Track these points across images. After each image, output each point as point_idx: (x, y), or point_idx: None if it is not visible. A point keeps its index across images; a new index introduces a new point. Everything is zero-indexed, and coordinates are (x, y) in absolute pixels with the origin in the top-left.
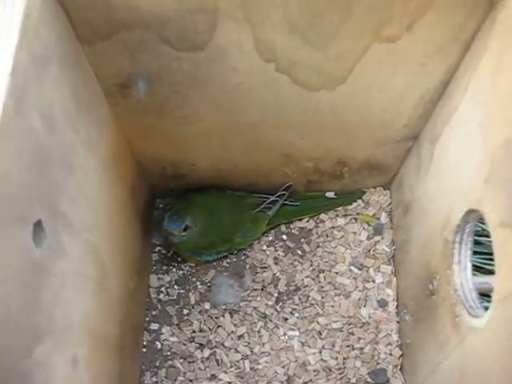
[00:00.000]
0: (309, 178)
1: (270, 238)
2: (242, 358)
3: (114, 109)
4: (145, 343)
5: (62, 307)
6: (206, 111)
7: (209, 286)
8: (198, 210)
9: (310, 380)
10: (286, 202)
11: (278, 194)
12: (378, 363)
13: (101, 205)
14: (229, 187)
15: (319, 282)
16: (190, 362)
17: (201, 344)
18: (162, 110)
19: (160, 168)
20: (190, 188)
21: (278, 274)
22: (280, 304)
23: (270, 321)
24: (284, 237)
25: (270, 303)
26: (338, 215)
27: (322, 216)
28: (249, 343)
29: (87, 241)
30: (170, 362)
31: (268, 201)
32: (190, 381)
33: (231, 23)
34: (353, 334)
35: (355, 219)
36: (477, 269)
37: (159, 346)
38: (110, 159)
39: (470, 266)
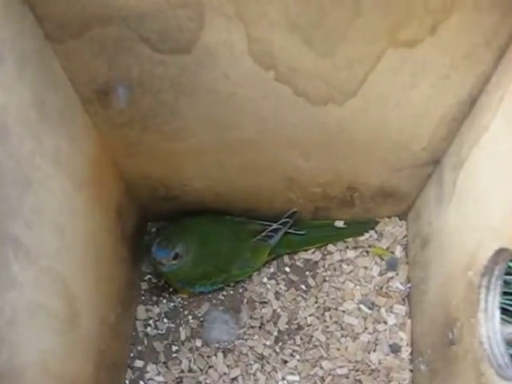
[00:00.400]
0: (316, 205)
1: (272, 270)
2: None
3: (94, 119)
4: (127, 382)
5: (9, 348)
6: (197, 125)
7: (201, 321)
8: (191, 237)
9: None
10: (290, 231)
11: (282, 221)
12: None
13: (72, 229)
14: (228, 212)
15: (324, 321)
16: None
17: None
18: (147, 122)
19: (150, 188)
20: (185, 211)
21: (278, 310)
22: (279, 344)
23: (268, 363)
24: (287, 269)
25: (269, 343)
26: (347, 247)
27: (330, 247)
28: None
29: (50, 270)
30: None
31: (270, 228)
32: None
33: (220, 20)
34: (360, 381)
35: (367, 252)
36: (504, 312)
37: None
38: (88, 177)
39: (498, 314)
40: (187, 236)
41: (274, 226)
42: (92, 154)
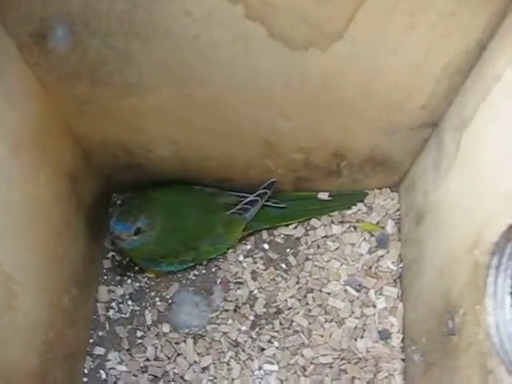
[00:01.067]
0: (297, 175)
1: (249, 247)
2: None
3: (36, 70)
4: (86, 371)
5: None
6: (155, 77)
7: (170, 304)
8: (156, 209)
9: None
10: (268, 203)
11: (259, 192)
12: None
13: (6, 197)
14: (198, 183)
15: (306, 303)
16: None
17: (155, 376)
18: (97, 73)
19: (110, 155)
20: (151, 182)
21: (255, 291)
22: (256, 330)
23: (243, 350)
24: (265, 246)
25: (244, 328)
26: (332, 222)
27: (314, 222)
28: (215, 378)
29: None
30: None
31: (245, 200)
32: None
33: None
34: (345, 371)
35: (354, 227)
36: None
37: (103, 376)
38: (29, 138)
39: (510, 300)
40: (151, 208)
41: (250, 197)
42: (34, 112)
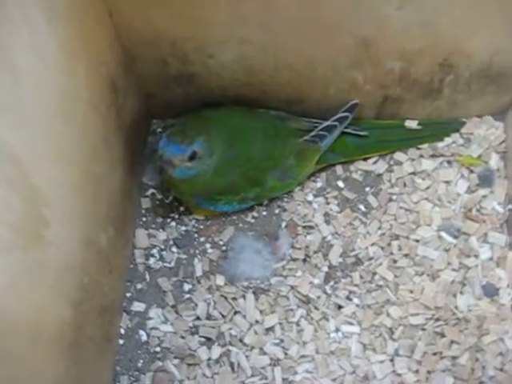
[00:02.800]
0: (387, 93)
1: (319, 185)
2: (270, 364)
3: None
4: (122, 332)
5: None
6: None
7: (224, 251)
8: (215, 132)
9: None
10: (347, 130)
11: (338, 116)
12: (481, 382)
13: (42, 81)
14: (261, 104)
15: (391, 253)
16: (189, 365)
17: (208, 338)
18: None
19: (158, 61)
20: (203, 103)
21: (329, 237)
22: (331, 283)
23: (316, 308)
24: (340, 183)
25: (317, 281)
26: (422, 155)
27: (398, 156)
28: (281, 341)
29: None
30: (160, 364)
31: (322, 126)
32: None
33: None
34: (442, 334)
35: (448, 162)
36: None
37: (144, 338)
38: (68, 16)
39: None
40: (210, 131)
41: (328, 122)
42: None
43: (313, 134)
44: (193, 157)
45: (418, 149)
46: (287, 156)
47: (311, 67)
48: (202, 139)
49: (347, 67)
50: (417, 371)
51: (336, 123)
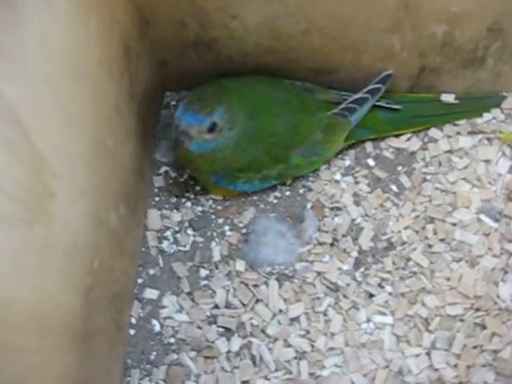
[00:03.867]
0: (424, 63)
1: (348, 163)
2: (295, 357)
3: None
4: (133, 321)
5: None
6: None
7: (245, 234)
8: (237, 103)
9: None
10: (379, 104)
11: (370, 87)
12: None
13: (50, 35)
14: (288, 74)
15: (426, 237)
16: (207, 358)
17: (227, 329)
18: None
19: (176, 23)
20: (222, 74)
21: (358, 220)
22: (361, 270)
23: (345, 297)
24: (370, 162)
25: (346, 268)
26: (459, 132)
27: (433, 132)
28: (307, 332)
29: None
30: (175, 356)
31: (352, 98)
32: None
33: None
34: (483, 326)
35: (488, 139)
36: None
37: (157, 328)
38: None
39: None
40: (231, 101)
41: (359, 94)
42: None
43: (342, 106)
44: (212, 128)
45: (455, 125)
46: (314, 131)
47: (344, 30)
48: (223, 109)
49: (384, 31)
50: (455, 366)
51: (367, 95)
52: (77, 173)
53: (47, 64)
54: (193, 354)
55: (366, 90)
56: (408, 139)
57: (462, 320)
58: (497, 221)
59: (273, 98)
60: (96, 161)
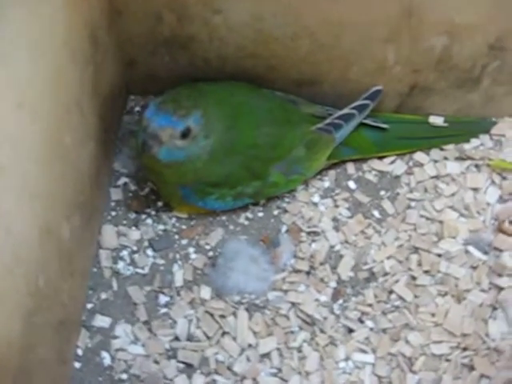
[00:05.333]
0: (417, 79)
1: (327, 185)
2: None
3: None
4: (80, 353)
5: None
6: None
7: (212, 258)
8: (215, 109)
9: None
10: (366, 122)
11: (358, 103)
12: None
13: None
14: (267, 83)
15: (410, 268)
16: None
17: (189, 365)
18: None
19: (151, 16)
20: (195, 78)
21: (338, 247)
22: (340, 302)
23: (322, 331)
24: (351, 184)
25: (323, 299)
26: (446, 157)
27: (419, 156)
28: (279, 370)
29: None
30: None
31: (338, 114)
32: None
33: None
34: (472, 367)
35: (477, 166)
36: None
37: (107, 361)
38: None
39: None
40: (208, 105)
41: (346, 110)
42: None
43: (327, 121)
44: (186, 134)
45: (442, 149)
46: (297, 145)
47: (336, 37)
48: (199, 114)
49: (380, 40)
50: None
51: (354, 111)
52: (27, 170)
53: (3, 32)
54: None
55: (353, 105)
56: (392, 162)
57: (448, 360)
58: (485, 253)
59: (254, 105)
60: (50, 159)
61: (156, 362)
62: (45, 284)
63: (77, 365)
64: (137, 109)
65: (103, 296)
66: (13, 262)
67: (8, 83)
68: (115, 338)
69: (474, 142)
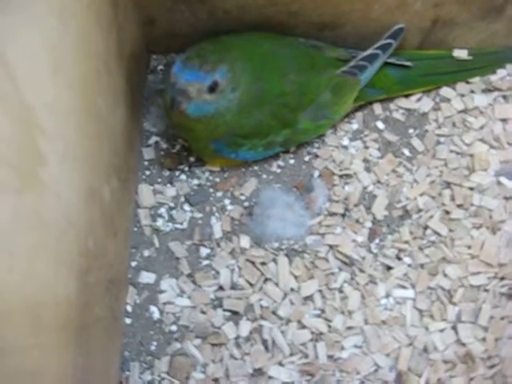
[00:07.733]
0: (439, 13)
1: (355, 127)
2: (311, 339)
3: None
4: (129, 309)
5: None
6: None
7: (248, 208)
8: (241, 62)
9: (439, 380)
10: (389, 61)
11: (381, 43)
12: None
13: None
14: (289, 30)
15: (443, 203)
16: (214, 346)
17: (235, 312)
18: None
19: None
20: (215, 31)
21: (371, 187)
22: (377, 241)
23: (361, 271)
24: (380, 125)
25: (360, 239)
26: (472, 91)
27: (445, 91)
28: (322, 311)
29: None
30: (178, 346)
31: (361, 55)
32: (215, 380)
33: None
34: (510, 296)
35: (504, 97)
36: None
37: (156, 315)
38: None
39: None
40: (234, 59)
41: (370, 50)
42: None
43: (351, 64)
44: (213, 88)
45: (468, 83)
46: (323, 91)
47: None
48: (225, 67)
49: None
50: (483, 339)
51: (378, 51)
52: (67, 134)
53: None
54: (198, 341)
55: (376, 45)
56: (418, 99)
57: (486, 290)
58: None
59: (279, 54)
60: (86, 122)
61: (203, 312)
62: (93, 245)
63: (128, 321)
64: (160, 67)
65: (146, 253)
66: (66, 226)
67: (44, 48)
68: (161, 292)
69: (501, 72)
